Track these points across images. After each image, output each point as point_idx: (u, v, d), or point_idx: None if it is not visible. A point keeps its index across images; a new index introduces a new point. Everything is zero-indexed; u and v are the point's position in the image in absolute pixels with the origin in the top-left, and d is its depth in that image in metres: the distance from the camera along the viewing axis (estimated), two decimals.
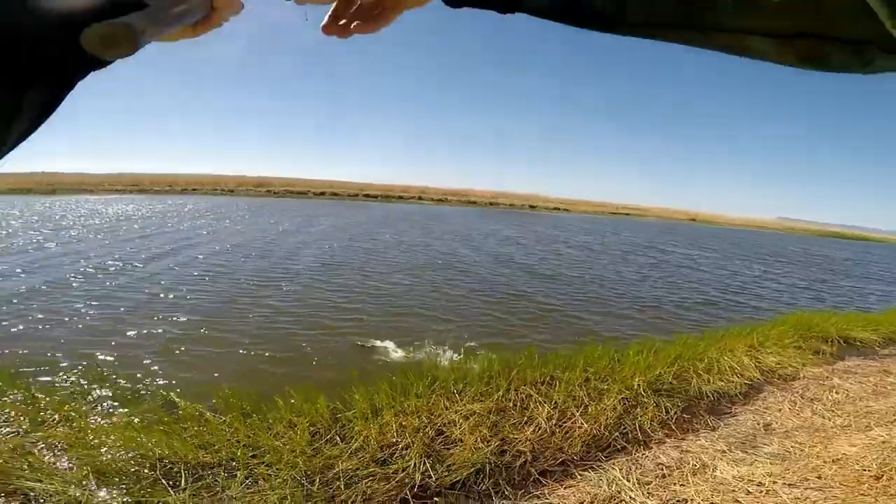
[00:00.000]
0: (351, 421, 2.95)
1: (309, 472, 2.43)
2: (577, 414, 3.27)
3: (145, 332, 5.13)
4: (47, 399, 3.29)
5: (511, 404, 3.37)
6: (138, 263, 8.85)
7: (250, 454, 2.61)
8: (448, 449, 2.78)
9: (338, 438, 2.80)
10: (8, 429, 2.86)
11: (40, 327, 5.15)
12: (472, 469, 2.60)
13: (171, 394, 3.56)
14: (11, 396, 3.28)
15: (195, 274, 8.22)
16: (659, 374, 3.91)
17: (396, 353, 4.81)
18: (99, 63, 0.44)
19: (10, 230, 12.84)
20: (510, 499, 2.44)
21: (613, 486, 2.52)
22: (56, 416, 3.03)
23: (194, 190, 40.39)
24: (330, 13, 0.55)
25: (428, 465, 2.57)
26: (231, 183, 45.60)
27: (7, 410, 3.06)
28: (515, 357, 4.04)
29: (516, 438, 2.95)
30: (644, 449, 2.97)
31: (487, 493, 2.48)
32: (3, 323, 5.18)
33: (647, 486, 2.52)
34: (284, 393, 3.22)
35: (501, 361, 3.93)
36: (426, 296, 7.46)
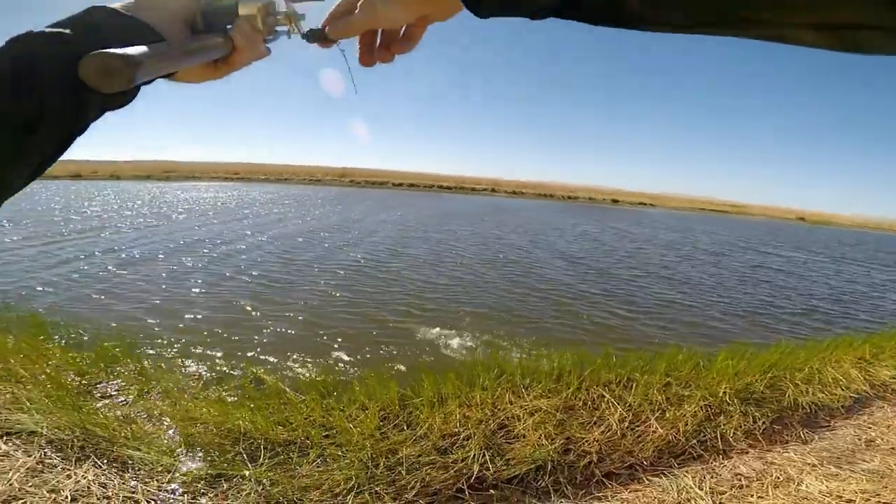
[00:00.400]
0: (418, 408, 3.03)
1: (374, 455, 2.52)
2: (653, 418, 3.12)
3: (236, 311, 5.57)
4: (153, 370, 3.68)
5: (581, 403, 3.28)
6: (232, 244, 9.58)
7: (323, 434, 2.75)
8: (509, 443, 2.77)
9: (404, 425, 2.88)
10: (120, 398, 3.23)
11: (154, 301, 5.78)
12: (533, 465, 2.57)
13: (260, 371, 3.84)
14: (127, 367, 3.69)
15: (280, 257, 8.79)
16: (749, 383, 3.63)
17: (463, 346, 4.85)
18: (110, 103, 0.46)
19: (132, 211, 14.36)
20: (570, 498, 2.38)
21: (683, 493, 2.38)
22: (158, 387, 3.37)
23: (286, 179, 43.82)
24: (360, 47, 0.58)
25: (487, 457, 2.57)
26: (318, 173, 49.77)
27: (121, 380, 3.46)
28: (590, 356, 3.92)
29: (583, 438, 2.87)
30: (723, 458, 2.78)
31: (546, 490, 2.44)
32: (119, 299, 5.82)
33: (720, 496, 2.36)
34: (359, 377, 3.37)
35: (574, 360, 3.83)
36: (496, 292, 7.38)
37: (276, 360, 4.22)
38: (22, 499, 2.04)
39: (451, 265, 9.35)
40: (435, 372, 3.47)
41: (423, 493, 2.31)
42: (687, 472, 2.61)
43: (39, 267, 7.50)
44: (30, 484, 2.15)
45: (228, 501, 2.21)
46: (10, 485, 2.11)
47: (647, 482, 2.53)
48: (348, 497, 2.24)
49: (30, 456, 2.37)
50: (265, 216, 16.53)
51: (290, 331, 5.08)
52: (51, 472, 2.27)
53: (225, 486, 2.33)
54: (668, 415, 3.16)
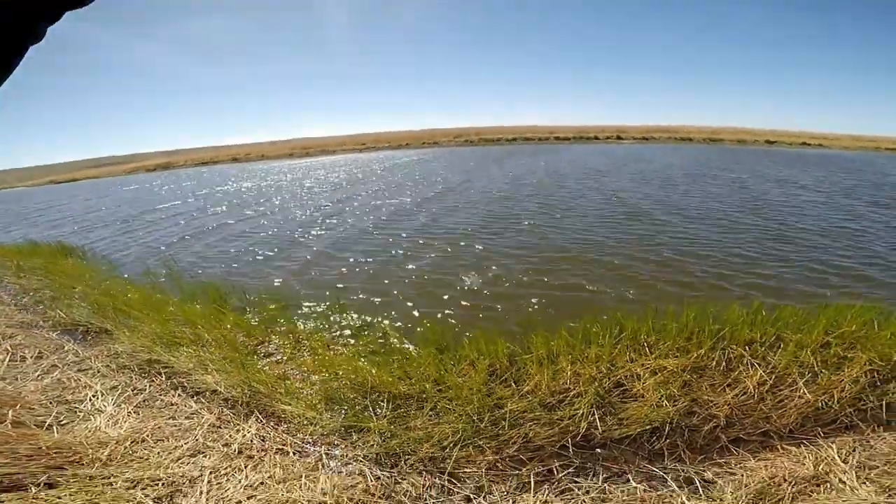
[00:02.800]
0: (526, 364, 3.10)
1: (481, 410, 2.68)
2: (801, 382, 2.82)
3: (365, 274, 6.07)
4: (302, 330, 4.24)
5: (713, 364, 3.07)
6: (370, 206, 10.27)
7: (437, 388, 2.97)
8: (624, 402, 2.73)
9: (511, 380, 2.99)
10: (276, 357, 3.78)
11: (299, 266, 6.58)
12: (648, 426, 2.52)
13: (386, 327, 4.20)
14: (282, 327, 4.32)
15: (415, 220, 9.19)
16: None
17: (582, 304, 4.76)
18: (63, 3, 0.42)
19: (273, 190, 16.02)
20: (685, 462, 2.30)
21: (822, 465, 2.15)
22: (307, 345, 3.88)
23: (407, 144, 46.97)
24: None
25: (597, 416, 2.57)
26: (437, 135, 53.08)
27: (278, 340, 4.05)
28: (731, 314, 3.57)
29: (711, 401, 2.72)
30: (884, 430, 2.43)
31: (660, 452, 2.38)
32: (275, 263, 6.68)
33: (868, 471, 2.09)
34: (471, 334, 3.54)
35: (711, 318, 3.54)
36: (620, 248, 6.91)
37: (399, 318, 4.59)
38: (203, 452, 2.53)
39: (565, 221, 8.98)
40: (546, 329, 3.48)
41: (525, 447, 2.42)
42: (833, 443, 2.34)
43: (220, 239, 8.88)
44: (210, 439, 2.65)
45: (355, 452, 2.52)
46: (196, 440, 2.62)
47: (780, 451, 2.33)
48: (454, 450, 2.43)
49: (211, 413, 2.93)
50: (396, 180, 17.38)
51: (411, 289, 5.49)
52: (225, 428, 2.77)
53: (354, 437, 2.65)
54: (820, 379, 2.82)
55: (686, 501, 2.01)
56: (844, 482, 2.03)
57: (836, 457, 2.21)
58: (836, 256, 6.21)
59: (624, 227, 8.22)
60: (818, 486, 2.04)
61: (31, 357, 3.77)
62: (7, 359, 3.68)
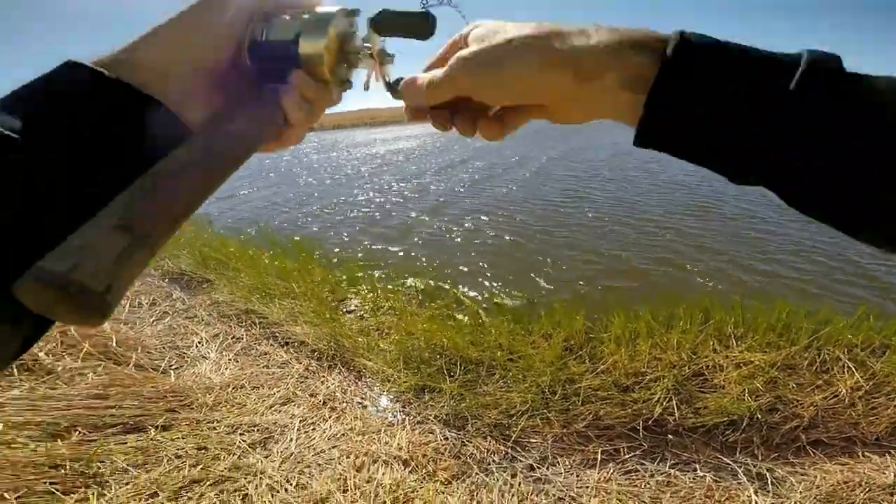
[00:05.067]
0: (603, 343, 3.23)
1: (552, 383, 2.86)
2: None
3: (446, 238, 6.34)
4: (381, 289, 4.59)
5: (805, 363, 3.06)
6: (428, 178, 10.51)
7: (507, 357, 3.19)
8: (703, 392, 2.81)
9: (586, 357, 3.14)
10: (358, 313, 4.15)
11: (387, 230, 6.93)
12: (725, 419, 2.60)
13: (460, 292, 4.48)
14: (365, 285, 4.71)
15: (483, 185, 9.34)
16: None
17: (668, 285, 4.75)
18: None
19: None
20: (757, 458, 2.39)
21: None
22: (385, 305, 4.21)
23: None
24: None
25: (674, 402, 2.68)
26: None
27: (359, 298, 4.43)
28: (834, 314, 3.48)
29: (797, 400, 2.74)
30: None
31: (732, 446, 2.48)
32: (360, 228, 7.14)
33: None
34: (548, 306, 3.72)
35: (809, 315, 3.49)
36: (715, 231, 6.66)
37: (472, 284, 4.90)
38: (293, 401, 2.91)
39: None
40: (628, 309, 3.59)
41: (594, 425, 2.60)
42: None
43: (307, 201, 9.54)
44: (299, 388, 3.04)
45: (427, 411, 2.79)
46: (287, 389, 3.02)
47: (861, 458, 2.36)
48: (521, 419, 2.65)
49: (300, 363, 3.33)
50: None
51: (487, 256, 5.74)
52: (312, 379, 3.16)
53: (426, 397, 2.93)
54: None
55: (753, 495, 2.13)
56: None
57: None
58: None
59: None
60: (891, 495, 2.09)
61: (147, 303, 4.38)
62: (127, 305, 4.28)
